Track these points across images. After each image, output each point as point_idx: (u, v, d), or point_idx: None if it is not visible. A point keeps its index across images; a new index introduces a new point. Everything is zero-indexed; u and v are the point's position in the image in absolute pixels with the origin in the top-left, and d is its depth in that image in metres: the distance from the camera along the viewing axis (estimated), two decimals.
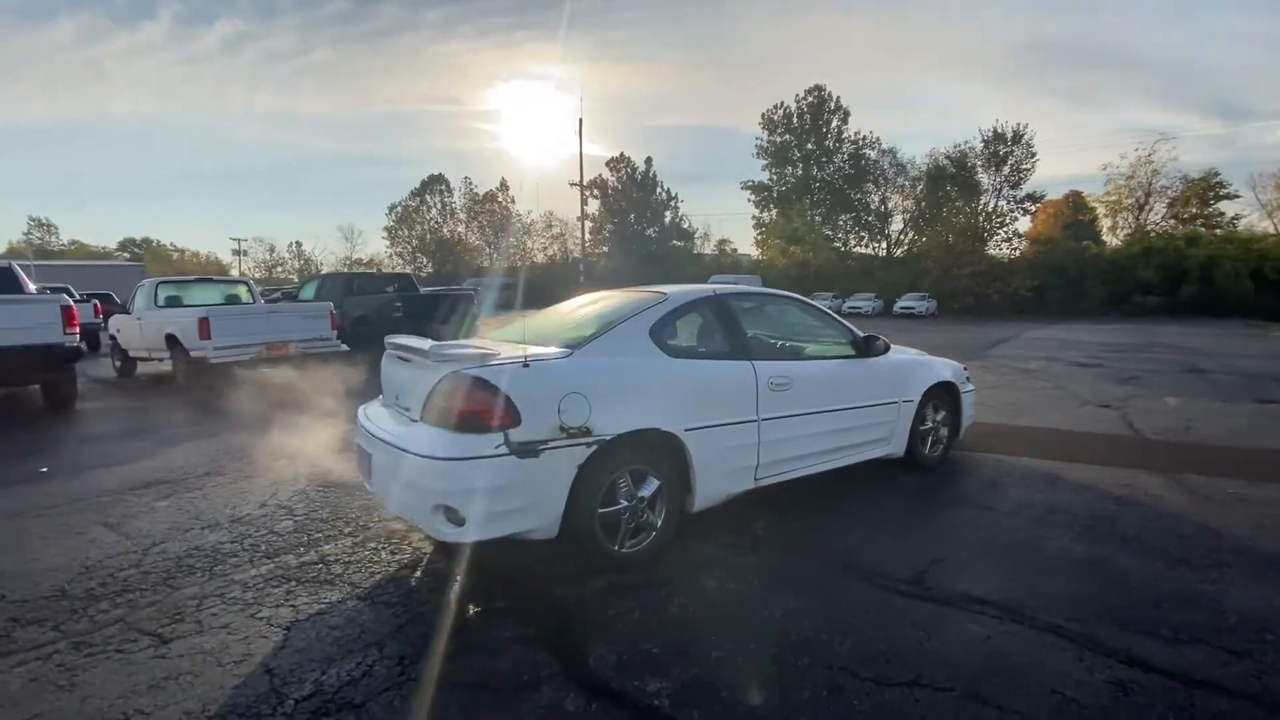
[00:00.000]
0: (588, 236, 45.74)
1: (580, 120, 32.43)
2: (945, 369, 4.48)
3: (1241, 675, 2.05)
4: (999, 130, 37.28)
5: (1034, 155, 37.01)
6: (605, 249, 50.85)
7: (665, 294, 3.39)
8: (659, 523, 2.94)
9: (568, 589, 2.73)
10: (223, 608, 2.57)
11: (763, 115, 47.01)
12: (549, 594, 2.72)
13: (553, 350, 2.91)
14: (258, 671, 2.13)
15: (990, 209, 37.71)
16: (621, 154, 51.87)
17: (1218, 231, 34.99)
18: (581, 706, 1.96)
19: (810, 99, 45.64)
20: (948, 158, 38.49)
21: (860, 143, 44.88)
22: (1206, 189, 39.92)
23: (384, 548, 3.17)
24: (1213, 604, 2.53)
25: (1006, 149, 37.07)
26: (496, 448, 2.50)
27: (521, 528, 2.64)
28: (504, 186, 56.17)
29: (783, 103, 46.39)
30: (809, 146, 45.90)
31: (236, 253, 57.13)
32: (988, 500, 3.82)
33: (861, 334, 4.01)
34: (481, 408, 2.56)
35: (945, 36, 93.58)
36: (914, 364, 4.34)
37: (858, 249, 45.00)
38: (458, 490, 2.51)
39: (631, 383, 2.92)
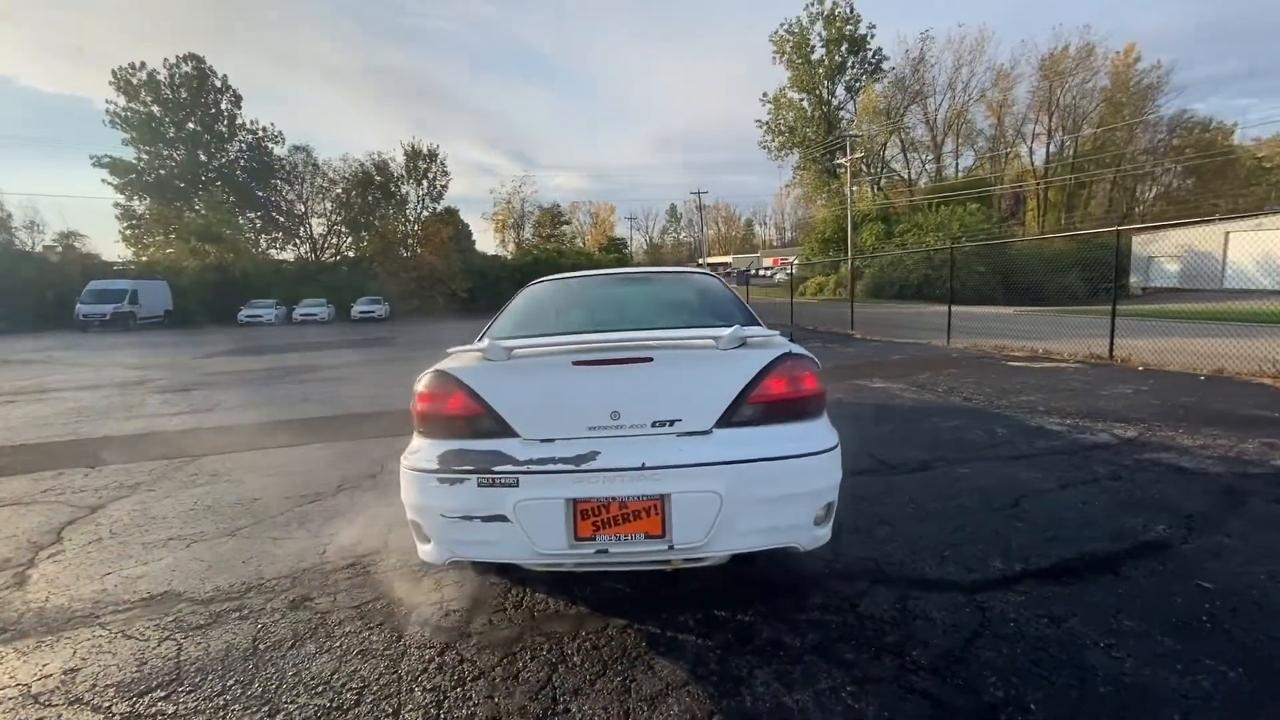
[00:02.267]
0: None
1: None
2: None
3: None
4: (415, 147, 40.77)
5: (448, 173, 42.15)
6: None
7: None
8: None
9: None
10: None
11: (114, 73, 36.40)
12: None
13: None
14: None
15: (420, 217, 40.87)
16: None
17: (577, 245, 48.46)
18: None
19: (188, 69, 38.03)
20: (374, 164, 39.41)
21: (261, 134, 40.57)
22: (554, 216, 54.97)
23: None
24: None
25: (425, 164, 40.92)
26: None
27: None
28: None
29: (144, 64, 37.04)
30: (191, 126, 38.35)
31: None
32: None
33: None
34: (822, 389, 2.36)
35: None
36: None
37: (271, 251, 40.96)
38: (837, 482, 2.28)
39: None
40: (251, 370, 11.43)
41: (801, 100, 47.16)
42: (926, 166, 52.05)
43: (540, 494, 2.12)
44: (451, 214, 41.63)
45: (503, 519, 2.14)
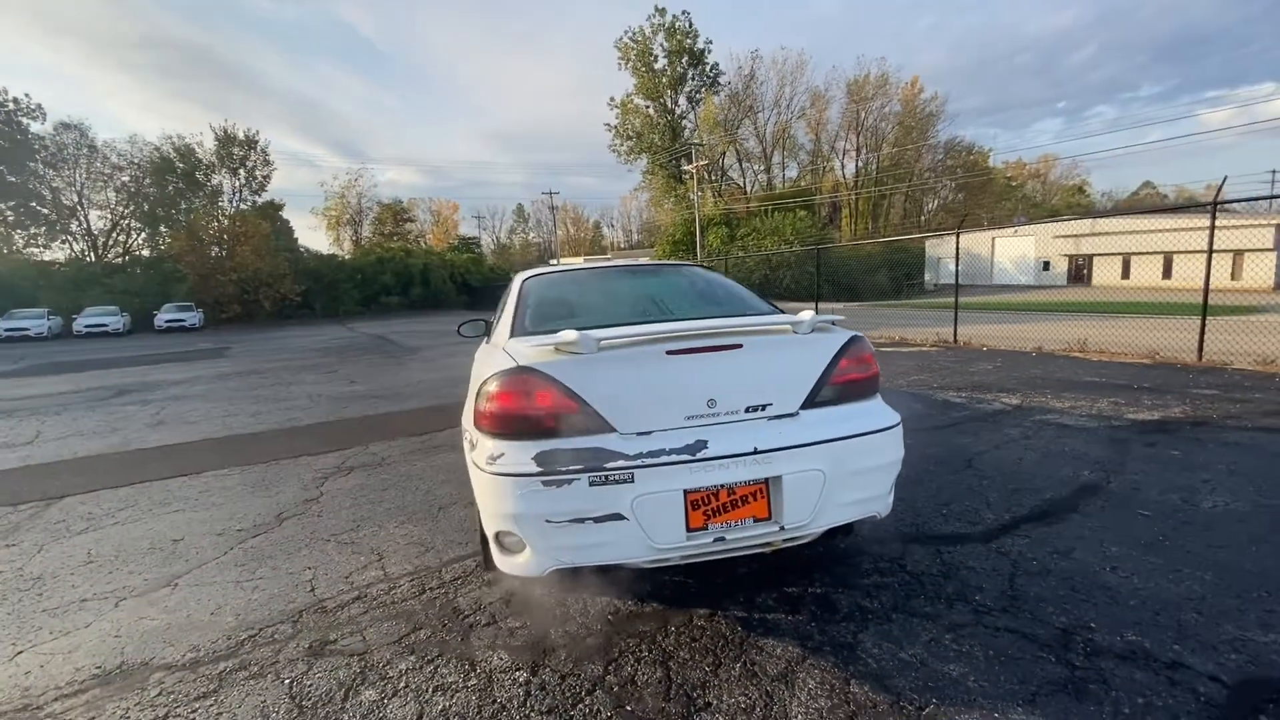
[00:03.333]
0: None
1: None
2: None
3: None
4: (229, 132, 35.51)
5: (270, 163, 37.36)
6: None
7: None
8: None
9: None
10: None
11: None
12: None
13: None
14: None
15: (238, 212, 35.67)
16: None
17: (422, 244, 45.60)
18: None
19: None
20: (174, 149, 33.63)
21: (12, 107, 32.98)
22: (397, 213, 51.42)
23: None
24: None
25: (242, 152, 35.83)
26: None
27: None
28: None
29: None
30: None
31: None
32: None
33: None
34: (879, 369, 2.55)
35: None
36: None
37: (32, 250, 33.46)
38: (903, 453, 2.44)
39: None
40: (72, 392, 9.25)
41: (648, 107, 48.85)
42: (758, 176, 56.72)
43: (657, 487, 2.05)
44: (274, 208, 37.10)
45: (618, 517, 2.03)
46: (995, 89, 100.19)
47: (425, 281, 37.81)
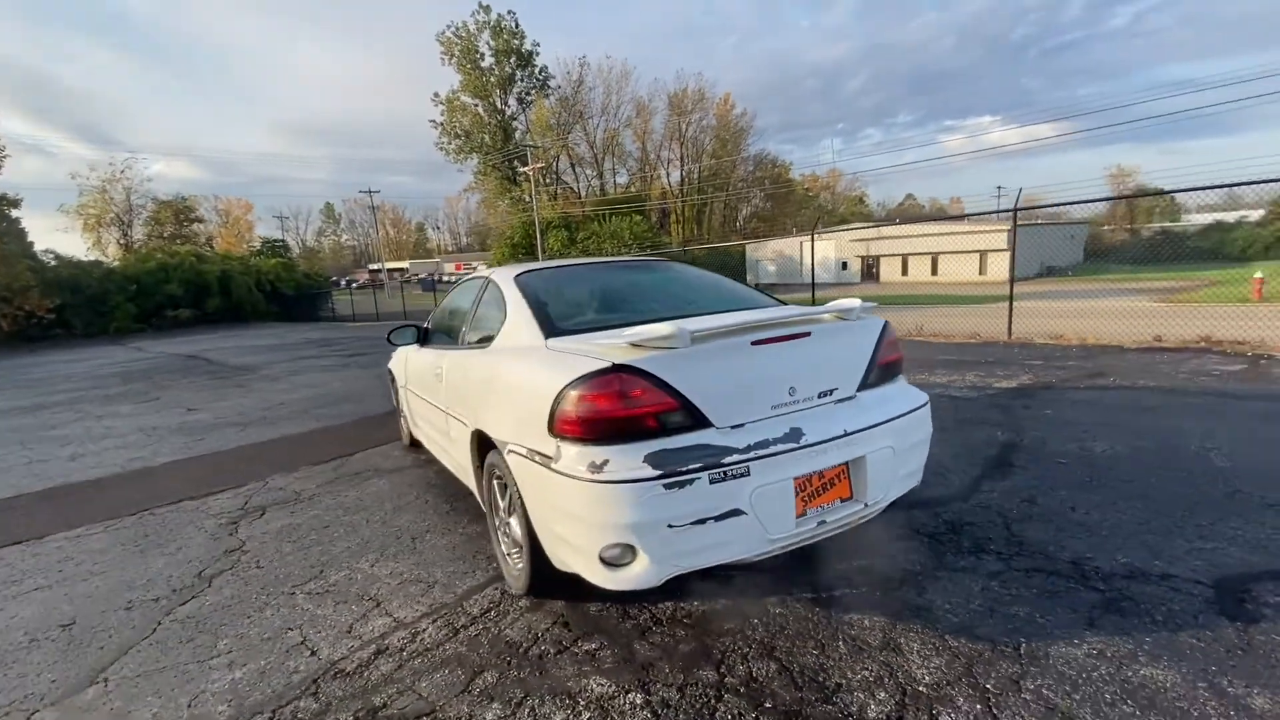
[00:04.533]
0: None
1: None
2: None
3: None
4: None
5: (3, 150, 29.53)
6: None
7: None
8: None
9: None
10: None
11: None
12: None
13: None
14: None
15: None
16: None
17: (208, 249, 39.20)
18: None
19: None
20: None
21: None
22: (179, 211, 43.92)
23: None
24: None
25: None
26: None
27: None
28: None
29: None
30: None
31: None
32: None
33: None
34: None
35: None
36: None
37: None
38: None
39: None
40: None
41: (476, 106, 47.17)
42: (592, 182, 57.68)
43: (772, 478, 2.03)
44: (7, 204, 29.45)
45: (737, 513, 1.98)
46: (789, 108, 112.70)
47: (225, 291, 32.50)
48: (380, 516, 3.61)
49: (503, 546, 2.76)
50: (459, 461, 3.22)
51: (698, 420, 2.04)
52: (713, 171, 60.64)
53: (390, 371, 5.19)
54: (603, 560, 1.98)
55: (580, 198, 54.28)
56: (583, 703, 1.95)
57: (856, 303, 2.53)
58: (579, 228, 44.17)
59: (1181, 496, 3.09)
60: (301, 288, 35.37)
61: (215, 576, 3.00)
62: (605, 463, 1.93)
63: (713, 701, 1.91)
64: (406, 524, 3.47)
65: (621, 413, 1.98)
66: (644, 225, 43.51)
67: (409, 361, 4.38)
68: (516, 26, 45.74)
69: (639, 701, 1.93)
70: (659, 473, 1.90)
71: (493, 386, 2.57)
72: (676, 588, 2.52)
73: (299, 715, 1.98)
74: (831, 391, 2.33)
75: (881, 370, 2.52)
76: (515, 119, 48.77)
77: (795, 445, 2.09)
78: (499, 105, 47.65)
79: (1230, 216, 43.05)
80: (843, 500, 2.23)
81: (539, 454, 2.14)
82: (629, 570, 1.97)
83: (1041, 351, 7.71)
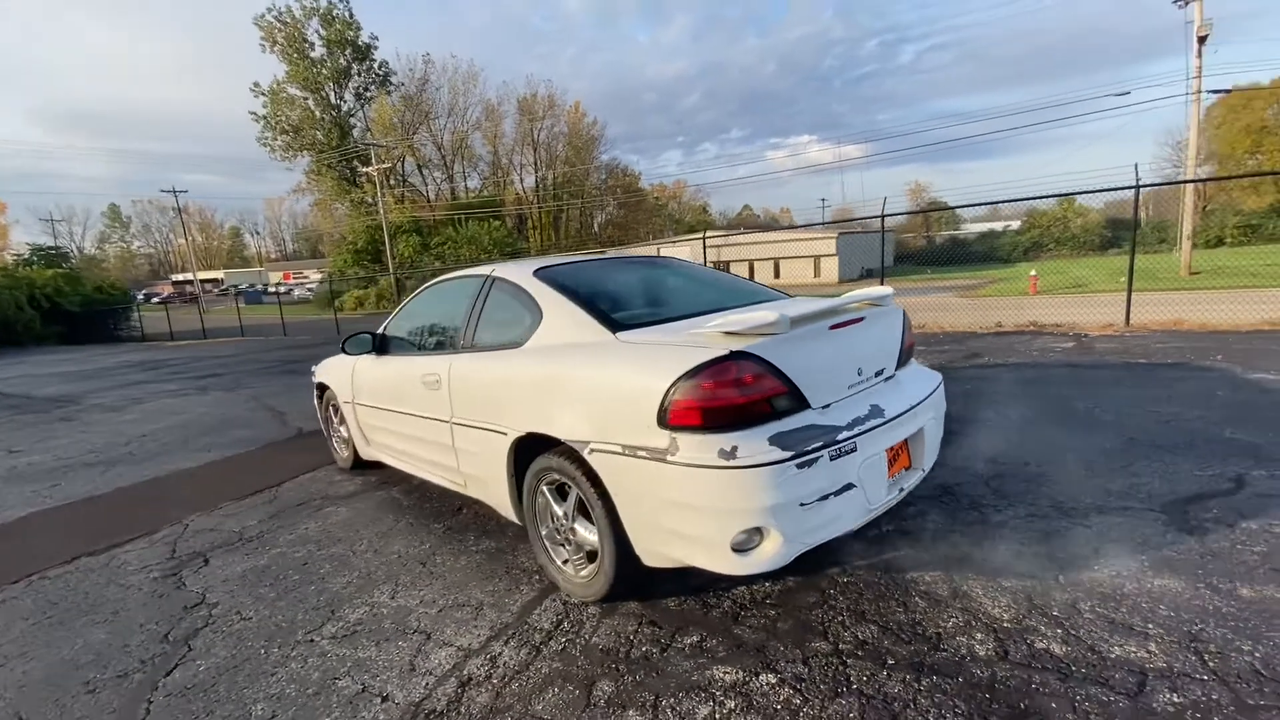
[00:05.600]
0: None
1: None
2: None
3: None
4: None
5: None
6: None
7: None
8: None
9: None
10: None
11: None
12: None
13: None
14: None
15: None
16: None
17: None
18: None
19: None
20: None
21: None
22: None
23: None
24: None
25: None
26: None
27: None
28: None
29: None
30: None
31: None
32: None
33: None
34: None
35: None
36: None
37: None
38: None
39: None
40: None
41: (306, 99, 42.89)
42: (441, 186, 55.08)
43: (872, 451, 2.17)
44: None
45: (850, 487, 2.09)
46: (632, 120, 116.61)
47: None
48: (367, 546, 3.22)
49: (557, 555, 2.63)
50: (474, 473, 2.98)
51: (800, 402, 2.13)
52: (567, 178, 60.84)
53: (322, 387, 4.62)
54: (738, 544, 1.99)
55: (430, 201, 51.63)
56: (719, 692, 1.94)
57: (888, 290, 2.78)
58: (432, 233, 41.92)
59: (1097, 446, 3.77)
60: (91, 304, 29.63)
61: (191, 636, 2.49)
62: (735, 449, 1.95)
63: (841, 668, 2.00)
64: (404, 550, 3.14)
65: (741, 399, 2.00)
66: (503, 230, 42.42)
67: (361, 374, 3.95)
68: (351, 17, 42.40)
69: (773, 681, 1.97)
70: (790, 454, 1.96)
71: (553, 387, 2.44)
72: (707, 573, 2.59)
73: None
74: (882, 371, 2.54)
75: (906, 353, 2.79)
76: (353, 115, 45.18)
77: (882, 420, 2.26)
78: (333, 100, 43.83)
79: (999, 226, 52.55)
80: (906, 469, 2.45)
81: (643, 449, 2.08)
82: (758, 554, 2.00)
83: (918, 339, 8.84)
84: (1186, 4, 21.20)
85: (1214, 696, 1.74)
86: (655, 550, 2.20)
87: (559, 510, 2.55)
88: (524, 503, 2.70)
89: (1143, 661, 1.90)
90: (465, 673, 2.14)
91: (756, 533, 1.99)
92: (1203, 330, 7.47)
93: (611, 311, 2.60)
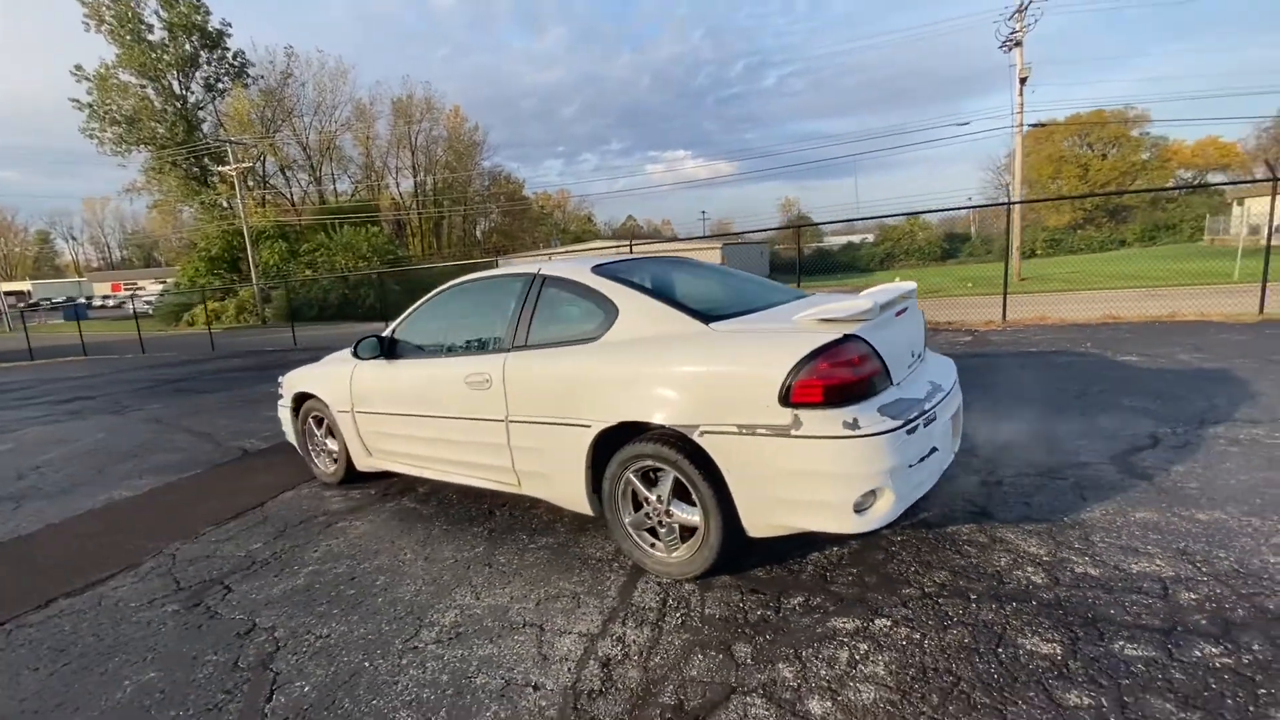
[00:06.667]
0: None
1: None
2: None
3: None
4: None
5: None
6: None
7: None
8: None
9: None
10: None
11: None
12: None
13: None
14: None
15: None
16: None
17: None
18: None
19: None
20: None
21: None
22: None
23: None
24: None
25: None
26: None
27: None
28: None
29: None
30: None
31: None
32: None
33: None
34: None
35: None
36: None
37: None
38: None
39: None
40: None
41: (144, 88, 37.86)
42: (308, 189, 50.90)
43: (944, 419, 2.52)
44: None
45: (935, 450, 2.42)
46: (512, 127, 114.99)
47: None
48: (413, 555, 3.10)
49: (643, 540, 2.73)
50: (535, 469, 2.99)
51: (887, 379, 2.44)
52: (449, 183, 58.70)
53: (301, 398, 4.29)
54: (859, 503, 2.23)
55: (295, 205, 47.53)
56: (846, 639, 2.18)
57: (912, 285, 3.18)
58: (300, 239, 38.59)
59: (1038, 419, 4.48)
60: None
61: (267, 660, 2.30)
62: (856, 420, 2.20)
63: (938, 605, 2.32)
64: (457, 555, 3.06)
65: (854, 377, 2.27)
66: (383, 237, 40.00)
67: (365, 381, 3.76)
68: (198, 0, 38.12)
69: (887, 624, 2.24)
70: (900, 422, 2.25)
71: (651, 376, 2.55)
72: (808, 541, 2.85)
73: None
74: (919, 354, 2.93)
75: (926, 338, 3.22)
76: (203, 108, 40.58)
77: (944, 394, 2.63)
78: (178, 90, 39.12)
79: (856, 239, 58.11)
80: (954, 437, 2.85)
81: (763, 427, 2.28)
82: (873, 512, 2.26)
83: None
84: (1010, 50, 24.98)
85: (1217, 590, 2.26)
86: (767, 521, 2.40)
87: (650, 495, 2.66)
88: (605, 491, 2.77)
89: (1158, 572, 2.41)
90: (601, 654, 2.20)
91: (872, 494, 2.26)
92: (1065, 324, 8.94)
93: (692, 303, 2.77)
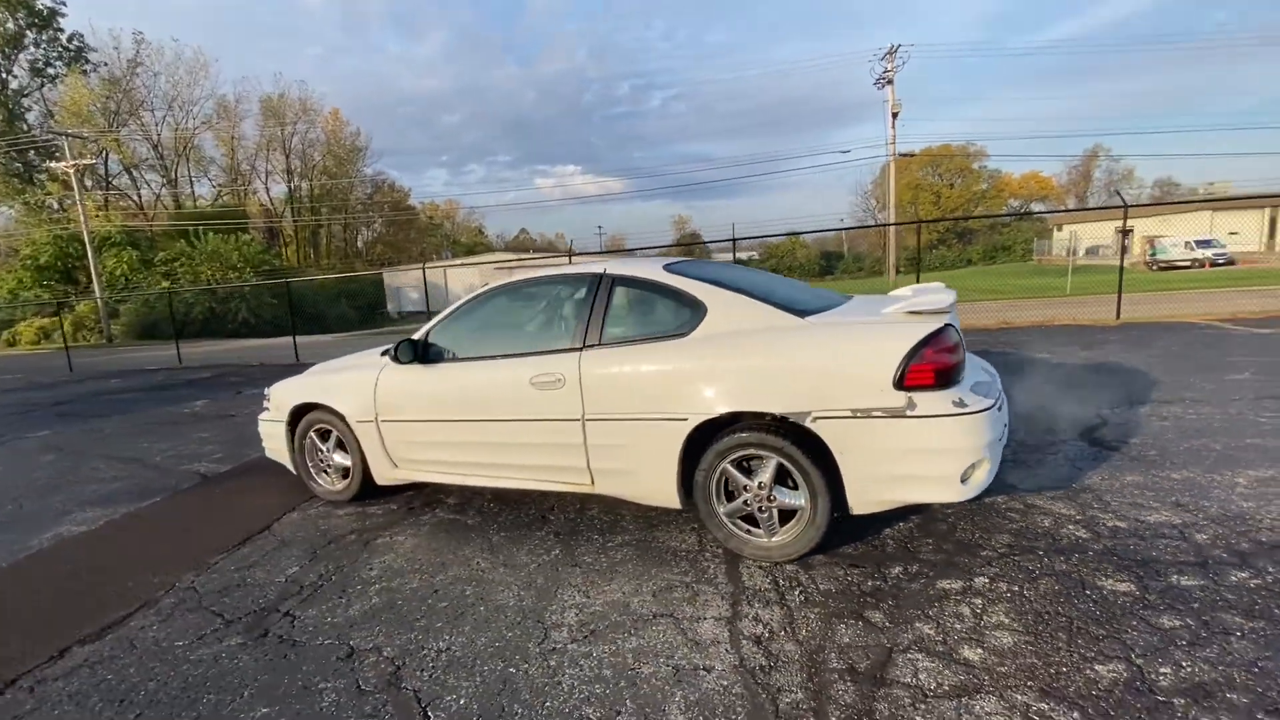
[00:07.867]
0: None
1: None
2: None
3: None
4: None
5: None
6: None
7: None
8: None
9: None
10: None
11: None
12: None
13: None
14: None
15: None
16: None
17: None
18: None
19: None
20: None
21: None
22: None
23: None
24: None
25: None
26: None
27: None
28: None
29: None
30: None
31: None
32: None
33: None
34: None
35: None
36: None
37: None
38: None
39: None
40: None
41: None
42: (160, 191, 45.35)
43: (1005, 401, 2.85)
44: None
45: (1006, 426, 2.74)
46: (393, 134, 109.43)
47: None
48: (488, 564, 2.97)
49: (739, 527, 2.83)
50: (616, 466, 3.00)
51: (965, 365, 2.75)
52: (327, 190, 54.77)
53: (300, 412, 3.92)
54: (962, 479, 2.49)
55: (143, 209, 42.19)
56: (959, 596, 2.43)
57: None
58: (154, 246, 34.25)
59: (1012, 405, 5.08)
60: None
61: (393, 681, 2.14)
62: (962, 400, 2.47)
63: (1018, 562, 2.63)
64: (534, 559, 2.98)
65: (953, 362, 2.54)
66: (257, 245, 36.49)
67: (396, 389, 3.55)
68: None
69: (985, 581, 2.52)
70: (991, 401, 2.55)
71: (757, 368, 2.67)
72: (876, 518, 3.08)
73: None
74: None
75: None
76: (28, 95, 35.06)
77: (998, 382, 2.98)
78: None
79: (744, 256, 61.55)
80: None
81: (878, 409, 2.48)
82: (973, 481, 2.53)
83: None
84: (883, 87, 27.82)
85: (1219, 530, 2.77)
86: (877, 498, 2.60)
87: (750, 482, 2.77)
88: (698, 483, 2.84)
89: (1170, 520, 2.89)
90: (749, 633, 2.28)
91: (973, 465, 2.53)
92: (973, 329, 10.11)
93: (772, 299, 2.93)
